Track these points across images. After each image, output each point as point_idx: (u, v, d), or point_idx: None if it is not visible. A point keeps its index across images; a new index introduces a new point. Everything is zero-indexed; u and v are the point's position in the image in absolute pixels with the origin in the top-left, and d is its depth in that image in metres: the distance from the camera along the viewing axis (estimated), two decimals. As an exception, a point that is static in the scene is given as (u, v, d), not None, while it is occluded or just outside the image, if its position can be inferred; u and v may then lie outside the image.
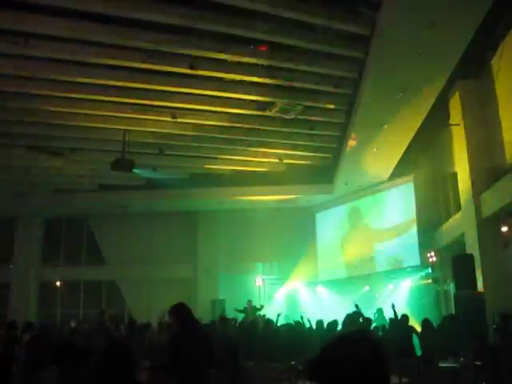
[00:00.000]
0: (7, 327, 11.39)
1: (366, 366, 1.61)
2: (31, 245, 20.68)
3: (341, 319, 11.44)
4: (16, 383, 8.04)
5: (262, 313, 16.42)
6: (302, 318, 12.55)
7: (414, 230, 17.00)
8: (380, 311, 14.70)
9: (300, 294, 20.11)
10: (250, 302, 17.03)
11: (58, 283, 20.93)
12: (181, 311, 5.89)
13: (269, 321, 12.48)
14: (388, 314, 12.71)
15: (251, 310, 16.41)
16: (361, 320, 11.57)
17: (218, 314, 16.22)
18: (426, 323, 11.08)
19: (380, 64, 10.27)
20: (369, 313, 13.62)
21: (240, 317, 15.76)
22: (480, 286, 12.48)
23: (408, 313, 12.13)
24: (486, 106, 13.77)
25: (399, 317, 11.43)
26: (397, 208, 17.91)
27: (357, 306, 12.29)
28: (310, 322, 12.42)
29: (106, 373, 3.19)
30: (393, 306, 11.74)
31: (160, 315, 13.57)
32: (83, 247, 21.39)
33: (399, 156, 15.49)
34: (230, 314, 16.38)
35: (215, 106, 13.52)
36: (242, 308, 16.82)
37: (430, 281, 16.53)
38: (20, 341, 10.94)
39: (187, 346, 5.69)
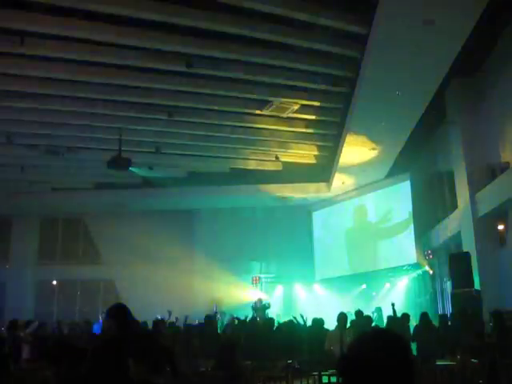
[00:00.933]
0: (8, 326, 11.37)
1: (398, 367, 1.62)
2: (28, 244, 20.65)
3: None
4: (14, 381, 8.03)
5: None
6: (301, 317, 12.49)
7: (410, 228, 17.00)
8: (379, 310, 14.69)
9: (297, 292, 20.13)
10: (259, 299, 16.94)
11: (54, 282, 20.92)
12: (120, 312, 5.55)
13: (267, 320, 12.46)
14: (387, 313, 12.70)
15: (261, 307, 16.30)
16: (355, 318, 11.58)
17: (215, 312, 16.16)
18: (424, 318, 11.09)
19: (377, 62, 10.27)
20: (366, 311, 13.61)
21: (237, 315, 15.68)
22: (477, 284, 12.51)
23: (405, 311, 12.15)
24: (482, 104, 13.79)
25: (399, 315, 11.46)
26: (393, 206, 17.91)
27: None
28: (303, 319, 12.39)
29: (96, 371, 3.19)
30: (393, 305, 11.77)
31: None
32: (80, 246, 21.36)
33: (396, 154, 15.49)
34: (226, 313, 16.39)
35: (212, 104, 13.52)
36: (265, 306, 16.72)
37: (431, 272, 16.50)
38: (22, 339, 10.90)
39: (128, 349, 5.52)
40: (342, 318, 10.66)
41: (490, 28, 11.03)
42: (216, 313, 15.88)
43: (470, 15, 8.78)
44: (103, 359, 3.38)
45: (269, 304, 16.98)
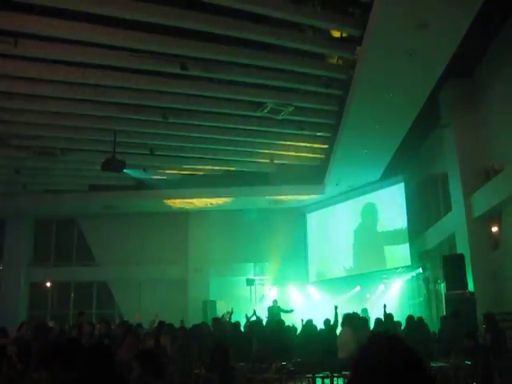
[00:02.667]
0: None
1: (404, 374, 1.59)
2: (21, 245, 20.56)
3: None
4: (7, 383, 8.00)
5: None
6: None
7: (404, 230, 17.03)
8: (365, 311, 14.59)
9: (291, 294, 20.12)
10: (275, 301, 16.79)
11: (48, 284, 20.87)
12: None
13: (260, 322, 12.48)
14: (375, 314, 12.69)
15: (276, 310, 16.13)
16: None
17: (212, 315, 16.04)
18: (411, 321, 11.13)
19: (371, 65, 10.29)
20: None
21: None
22: (470, 286, 12.55)
23: (399, 313, 12.18)
24: (476, 106, 13.85)
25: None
26: (387, 208, 17.95)
27: (336, 307, 12.44)
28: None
29: (90, 373, 3.18)
30: (384, 307, 11.81)
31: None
32: (74, 248, 21.28)
33: (390, 156, 15.52)
34: (219, 314, 16.32)
35: (206, 106, 13.51)
36: (288, 309, 16.55)
37: (421, 276, 16.55)
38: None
39: None
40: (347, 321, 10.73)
41: (483, 30, 11.08)
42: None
43: (464, 18, 8.81)
44: (95, 362, 3.37)
45: (291, 310, 16.77)
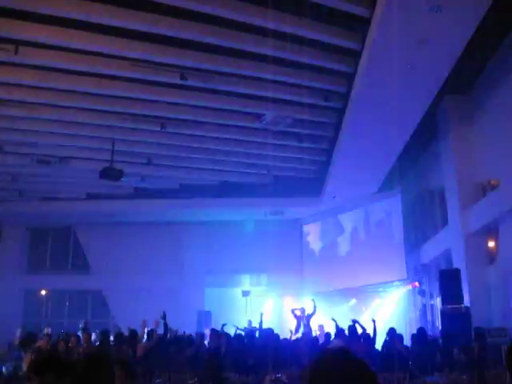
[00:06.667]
0: None
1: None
2: (17, 253, 20.51)
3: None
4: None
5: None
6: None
7: (401, 243, 17.03)
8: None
9: (287, 306, 20.05)
10: (303, 309, 16.20)
11: (43, 292, 20.78)
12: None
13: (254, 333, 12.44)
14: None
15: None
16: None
17: (207, 326, 15.95)
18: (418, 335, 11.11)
19: (369, 78, 10.34)
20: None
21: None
22: (466, 300, 12.54)
23: (394, 326, 12.13)
24: (473, 121, 13.90)
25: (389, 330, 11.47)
26: (384, 221, 17.96)
27: (334, 319, 12.42)
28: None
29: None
30: (373, 322, 11.81)
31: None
32: (69, 256, 21.22)
33: (387, 170, 15.55)
34: (215, 325, 16.26)
35: (204, 116, 13.54)
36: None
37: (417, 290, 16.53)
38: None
39: None
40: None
41: (481, 46, 11.14)
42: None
43: (462, 35, 8.88)
44: (90, 374, 3.35)
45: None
